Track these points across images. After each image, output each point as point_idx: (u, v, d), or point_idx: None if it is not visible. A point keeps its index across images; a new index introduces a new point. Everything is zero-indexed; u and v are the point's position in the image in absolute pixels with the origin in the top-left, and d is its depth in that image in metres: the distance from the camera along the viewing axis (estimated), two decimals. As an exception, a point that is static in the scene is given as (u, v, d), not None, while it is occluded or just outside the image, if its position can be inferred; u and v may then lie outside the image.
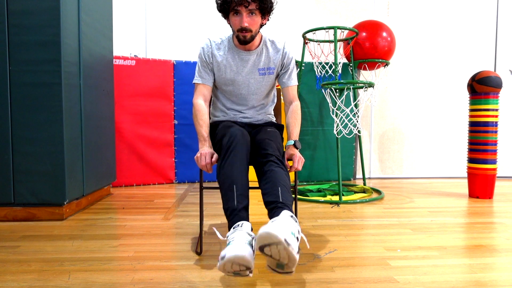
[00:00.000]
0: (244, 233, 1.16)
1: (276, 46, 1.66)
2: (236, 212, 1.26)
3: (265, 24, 1.59)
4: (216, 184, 3.42)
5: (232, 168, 1.33)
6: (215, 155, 1.46)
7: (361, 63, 3.24)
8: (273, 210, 1.26)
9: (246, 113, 1.70)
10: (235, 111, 1.70)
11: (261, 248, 1.05)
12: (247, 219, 1.26)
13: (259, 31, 1.57)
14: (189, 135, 3.40)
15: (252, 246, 1.13)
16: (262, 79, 1.65)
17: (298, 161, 1.48)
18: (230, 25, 1.58)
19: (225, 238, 1.20)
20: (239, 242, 1.10)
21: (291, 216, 1.18)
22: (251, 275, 1.11)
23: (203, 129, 1.54)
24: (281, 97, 2.30)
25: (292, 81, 1.70)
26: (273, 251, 1.04)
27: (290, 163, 1.54)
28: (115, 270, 1.36)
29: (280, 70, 1.69)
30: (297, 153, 1.50)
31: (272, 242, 1.03)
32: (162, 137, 3.33)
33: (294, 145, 1.53)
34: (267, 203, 1.30)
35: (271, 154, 1.39)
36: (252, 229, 1.22)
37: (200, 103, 1.63)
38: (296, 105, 1.68)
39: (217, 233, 1.26)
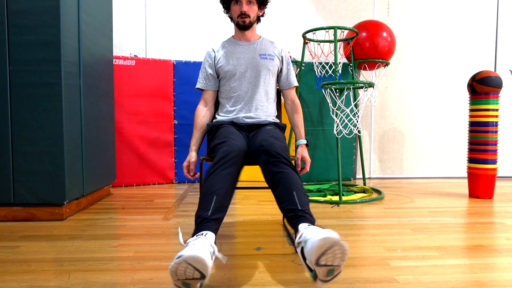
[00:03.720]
0: (206, 242, 1.10)
1: (275, 45, 1.82)
2: (206, 222, 1.21)
3: (261, 15, 1.78)
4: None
5: (219, 181, 1.29)
6: (193, 163, 1.69)
7: (361, 63, 3.24)
8: (294, 219, 1.24)
9: (249, 112, 1.71)
10: (238, 111, 1.71)
11: (318, 260, 1.01)
12: (215, 232, 1.21)
13: (255, 22, 1.76)
14: (189, 135, 3.40)
15: (212, 258, 1.08)
16: (264, 63, 1.74)
17: (308, 163, 1.66)
18: (231, 18, 1.77)
19: (185, 244, 1.14)
20: (199, 246, 1.05)
21: (309, 225, 1.17)
22: (198, 285, 1.02)
23: (193, 140, 1.73)
24: (281, 98, 2.32)
25: (293, 82, 1.84)
26: (329, 257, 1.01)
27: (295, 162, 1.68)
28: (115, 270, 1.36)
29: (280, 71, 1.82)
30: (307, 155, 1.67)
31: (329, 246, 1.00)
32: (162, 137, 3.33)
33: (306, 144, 1.72)
34: (285, 211, 1.27)
35: (279, 154, 1.36)
36: (215, 242, 1.18)
37: (200, 108, 1.79)
38: (298, 104, 1.83)
39: (180, 235, 1.24)
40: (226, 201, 1.29)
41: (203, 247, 1.05)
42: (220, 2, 1.75)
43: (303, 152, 1.67)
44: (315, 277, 1.08)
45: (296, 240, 1.14)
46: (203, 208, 1.24)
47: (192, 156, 1.69)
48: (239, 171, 1.40)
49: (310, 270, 1.09)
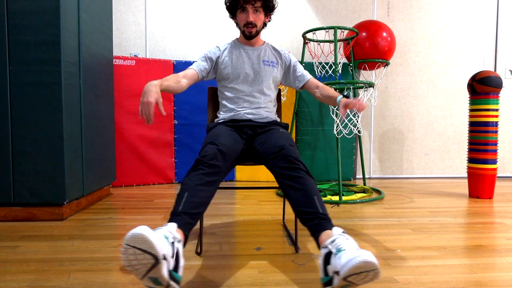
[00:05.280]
0: (161, 229, 1.06)
1: (278, 52, 1.82)
2: (174, 216, 1.18)
3: (267, 22, 1.75)
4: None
5: (194, 182, 1.26)
6: (159, 101, 1.34)
7: (361, 63, 3.24)
8: (314, 220, 1.21)
9: (251, 109, 1.71)
10: (240, 108, 1.71)
11: (348, 277, 0.97)
12: (187, 225, 1.17)
13: (261, 29, 1.74)
14: (189, 135, 3.40)
15: (172, 244, 1.02)
16: (267, 70, 1.74)
17: (356, 103, 1.43)
18: (237, 24, 1.75)
19: None
20: (143, 229, 0.98)
21: (343, 232, 1.14)
22: (165, 274, 0.95)
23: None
24: (281, 99, 2.32)
25: (307, 76, 1.81)
26: (360, 277, 0.97)
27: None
28: (115, 270, 1.36)
29: (290, 74, 1.82)
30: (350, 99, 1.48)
31: (367, 270, 0.96)
32: (162, 137, 3.33)
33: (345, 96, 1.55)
34: (302, 212, 1.24)
35: (298, 161, 1.34)
36: (187, 236, 1.15)
37: (177, 74, 1.62)
38: (323, 85, 1.77)
39: None
40: (201, 196, 1.24)
41: (149, 229, 0.98)
42: (226, 9, 1.72)
43: (345, 99, 1.51)
44: (327, 283, 1.04)
45: (327, 243, 1.09)
46: (175, 205, 1.22)
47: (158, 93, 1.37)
48: (220, 170, 1.34)
49: (326, 274, 1.05)
